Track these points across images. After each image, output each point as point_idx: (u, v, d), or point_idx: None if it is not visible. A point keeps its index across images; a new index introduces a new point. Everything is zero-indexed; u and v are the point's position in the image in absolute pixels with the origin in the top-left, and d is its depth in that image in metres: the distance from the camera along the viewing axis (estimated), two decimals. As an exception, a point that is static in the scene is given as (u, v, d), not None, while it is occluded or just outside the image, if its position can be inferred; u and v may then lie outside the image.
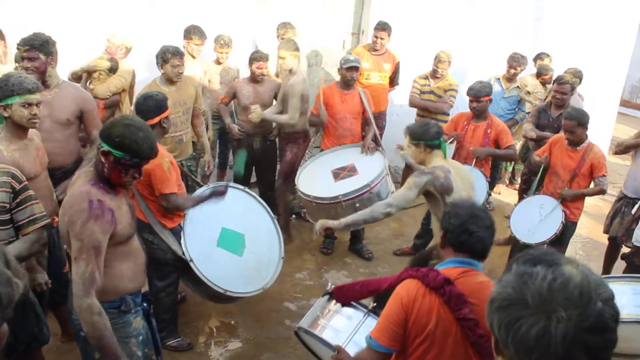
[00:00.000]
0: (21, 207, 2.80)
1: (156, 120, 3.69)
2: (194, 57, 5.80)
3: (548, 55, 7.28)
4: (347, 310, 2.89)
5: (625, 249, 4.98)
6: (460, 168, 3.97)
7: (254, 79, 5.61)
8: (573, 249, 6.20)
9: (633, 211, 5.08)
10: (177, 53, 4.64)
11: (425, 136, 3.83)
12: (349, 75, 5.45)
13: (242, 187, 4.50)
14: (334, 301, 2.93)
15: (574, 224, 5.07)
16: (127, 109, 5.52)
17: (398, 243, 6.11)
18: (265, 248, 4.35)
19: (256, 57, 5.53)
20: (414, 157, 3.97)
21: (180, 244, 3.93)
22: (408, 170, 7.02)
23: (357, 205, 4.76)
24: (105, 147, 2.49)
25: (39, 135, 3.55)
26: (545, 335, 1.09)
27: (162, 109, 3.76)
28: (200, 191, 4.13)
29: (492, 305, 1.21)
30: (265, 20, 6.94)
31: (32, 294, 3.11)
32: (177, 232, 3.97)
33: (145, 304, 2.90)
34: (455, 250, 2.42)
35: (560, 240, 4.90)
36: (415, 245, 5.82)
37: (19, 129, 3.27)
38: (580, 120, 4.77)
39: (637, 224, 4.64)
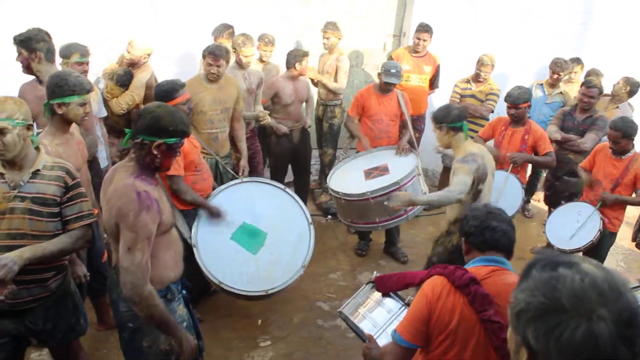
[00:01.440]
0: (71, 203, 2.86)
1: (171, 103, 3.84)
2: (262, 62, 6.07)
3: (580, 62, 7.08)
4: (386, 300, 3.00)
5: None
6: (484, 150, 4.11)
7: (296, 76, 5.73)
8: (614, 260, 6.05)
9: None
10: (212, 53, 4.68)
11: (447, 118, 3.99)
12: (386, 87, 5.48)
13: (282, 186, 4.50)
14: (375, 291, 3.05)
15: (614, 234, 4.96)
16: None
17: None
18: (287, 252, 4.20)
19: (303, 54, 5.70)
20: (439, 141, 4.14)
21: (189, 227, 3.99)
22: (446, 174, 6.98)
23: (386, 203, 4.71)
24: (158, 140, 2.59)
25: (78, 129, 3.65)
26: (590, 336, 1.07)
27: (166, 99, 3.91)
28: (230, 184, 4.36)
29: (522, 318, 1.17)
30: (308, 21, 6.98)
31: (74, 285, 3.21)
32: (189, 215, 4.05)
33: (184, 292, 2.97)
34: (481, 251, 2.42)
35: (598, 250, 4.80)
36: (450, 249, 5.78)
37: (65, 125, 3.38)
38: (625, 132, 4.66)
39: None
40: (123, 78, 5.23)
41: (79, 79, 3.34)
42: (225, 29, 5.81)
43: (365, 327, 2.89)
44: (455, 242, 3.41)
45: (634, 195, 4.84)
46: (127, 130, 2.70)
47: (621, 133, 4.66)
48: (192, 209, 4.16)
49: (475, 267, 2.36)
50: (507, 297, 2.15)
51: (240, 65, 5.44)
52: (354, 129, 5.72)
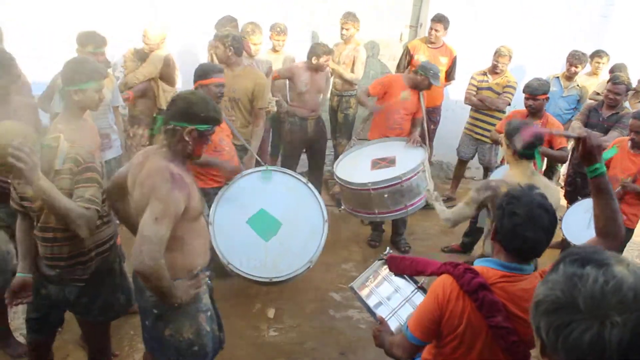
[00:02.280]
0: (76, 187, 2.82)
1: (197, 83, 4.12)
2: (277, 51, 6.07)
3: (606, 55, 6.96)
4: (398, 280, 3.02)
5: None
6: (546, 187, 3.35)
7: (316, 68, 5.69)
8: (629, 257, 6.00)
9: None
10: (220, 38, 4.79)
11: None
12: (424, 86, 5.44)
13: (305, 179, 4.51)
14: (384, 268, 3.08)
15: (631, 230, 4.91)
16: (162, 98, 5.59)
17: (447, 240, 6.05)
18: (297, 245, 4.18)
19: (325, 51, 5.63)
20: (504, 154, 3.79)
21: (207, 205, 4.01)
22: (461, 166, 6.95)
23: (386, 196, 4.74)
24: (190, 126, 2.61)
25: (91, 115, 3.69)
26: (599, 340, 1.05)
27: (203, 77, 4.13)
28: (254, 170, 4.43)
29: (539, 308, 1.16)
30: (325, 11, 6.95)
31: (118, 265, 3.27)
32: (208, 194, 4.10)
33: (209, 281, 2.99)
34: (505, 250, 2.24)
35: (615, 246, 4.75)
36: (463, 243, 5.77)
37: (80, 111, 3.40)
38: None
39: None
40: (142, 53, 5.38)
41: (95, 65, 3.37)
42: (228, 22, 5.72)
43: (372, 302, 2.94)
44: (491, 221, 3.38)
45: None
46: (158, 117, 2.73)
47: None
48: (211, 188, 4.22)
49: (486, 267, 2.26)
50: (520, 302, 2.16)
51: (248, 54, 5.41)
52: (365, 99, 5.63)
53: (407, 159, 5.07)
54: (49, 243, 2.92)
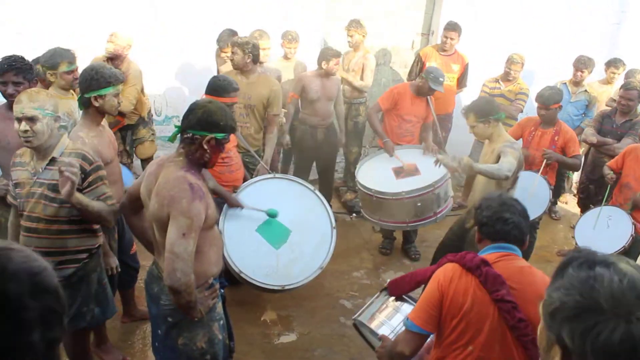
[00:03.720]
0: (92, 187, 3.00)
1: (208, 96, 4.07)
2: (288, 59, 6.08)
3: (623, 64, 6.91)
4: (403, 306, 2.97)
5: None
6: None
7: (326, 74, 5.70)
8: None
9: None
10: (240, 45, 4.77)
11: (494, 112, 4.27)
12: (429, 92, 5.41)
13: (312, 187, 4.53)
14: (391, 297, 3.03)
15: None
16: (145, 107, 5.57)
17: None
18: (308, 252, 4.23)
19: (334, 54, 5.64)
20: (480, 134, 4.37)
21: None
22: (471, 177, 6.92)
23: (419, 204, 4.77)
24: (209, 135, 2.63)
25: (107, 123, 3.73)
26: (629, 338, 1.05)
27: (216, 94, 4.10)
28: (261, 178, 4.44)
29: (558, 316, 1.15)
30: (337, 18, 6.97)
31: (97, 277, 3.27)
32: (217, 203, 4.09)
33: (222, 290, 3.00)
34: (492, 240, 2.47)
35: (629, 254, 4.71)
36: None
37: (99, 117, 3.45)
38: None
39: None
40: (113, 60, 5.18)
41: (113, 71, 3.40)
42: (228, 36, 5.63)
43: (384, 332, 2.86)
44: (471, 226, 3.50)
45: None
46: (175, 125, 2.76)
47: None
48: (219, 198, 4.22)
49: (485, 254, 2.43)
50: (519, 278, 2.28)
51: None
52: (377, 124, 5.59)
53: (429, 167, 5.06)
54: (30, 233, 3.00)
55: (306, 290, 4.65)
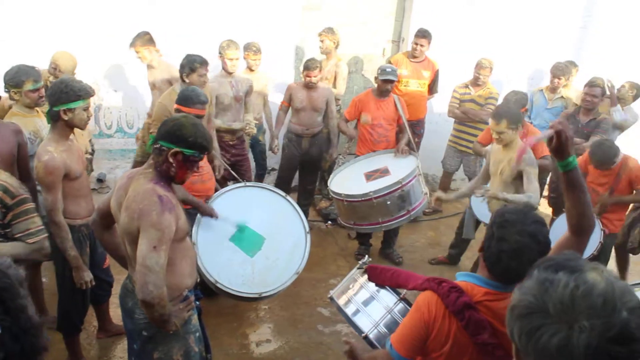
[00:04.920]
0: (16, 221, 2.65)
1: (177, 106, 4.07)
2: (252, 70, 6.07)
3: (575, 65, 7.05)
4: (376, 288, 2.99)
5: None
6: None
7: (306, 85, 5.79)
8: (613, 261, 6.03)
9: None
10: (205, 62, 4.74)
11: (521, 119, 4.31)
12: (384, 86, 5.52)
13: (283, 193, 4.54)
14: (362, 276, 3.05)
15: (616, 235, 4.97)
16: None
17: (434, 252, 6.07)
18: (283, 258, 4.23)
19: (307, 66, 5.71)
20: (507, 140, 4.30)
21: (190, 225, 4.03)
22: (446, 178, 7.00)
23: (389, 203, 4.79)
24: (175, 148, 2.59)
25: (75, 137, 3.68)
26: (567, 345, 1.05)
27: (184, 104, 4.07)
28: (233, 187, 4.43)
29: (513, 313, 1.18)
30: (310, 27, 7.01)
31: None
32: (189, 214, 4.07)
33: (197, 302, 2.97)
34: (488, 271, 2.18)
35: (601, 251, 4.80)
36: (450, 254, 5.79)
37: (67, 131, 3.40)
38: (605, 161, 4.71)
39: None
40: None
41: (82, 84, 3.37)
42: (138, 39, 5.61)
43: (362, 323, 2.89)
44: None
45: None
46: (151, 135, 2.72)
47: (600, 163, 4.73)
48: (191, 208, 4.21)
49: (471, 284, 2.20)
50: (505, 320, 2.14)
51: (225, 70, 5.43)
52: (344, 126, 5.81)
53: (399, 166, 5.15)
54: None
55: (283, 299, 4.64)
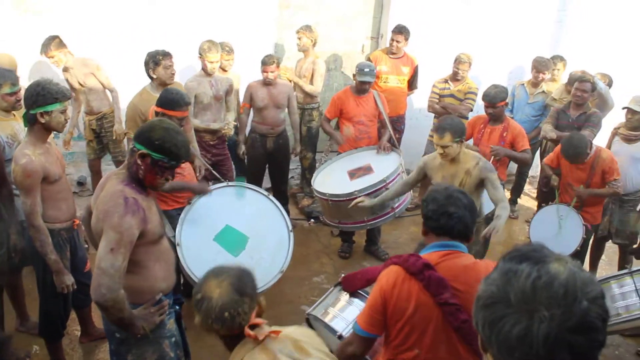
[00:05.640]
0: None
1: (160, 109, 3.98)
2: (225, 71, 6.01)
3: (562, 60, 7.14)
4: (355, 300, 3.02)
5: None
6: None
7: (265, 82, 5.73)
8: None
9: (638, 208, 5.16)
10: (167, 54, 4.72)
11: (465, 131, 4.20)
12: (361, 86, 5.52)
13: (266, 192, 4.54)
14: (344, 292, 3.08)
15: (596, 227, 5.04)
16: None
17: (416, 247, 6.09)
18: (267, 257, 4.25)
19: (264, 61, 5.68)
20: (452, 154, 4.09)
21: (172, 227, 4.01)
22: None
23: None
24: (144, 150, 2.54)
25: (54, 140, 3.63)
26: (527, 334, 1.06)
27: (168, 107, 3.98)
28: (215, 187, 4.39)
29: (478, 304, 1.18)
30: (288, 26, 6.99)
31: None
32: (172, 216, 4.10)
33: (177, 307, 2.94)
34: (437, 235, 2.43)
35: (582, 246, 4.87)
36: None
37: (45, 134, 3.36)
38: (577, 156, 4.78)
39: None
40: None
41: (59, 87, 3.33)
42: (49, 43, 5.50)
43: (338, 325, 2.91)
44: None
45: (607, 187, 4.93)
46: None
47: (573, 157, 4.80)
48: (174, 210, 4.21)
49: (428, 253, 2.38)
50: (465, 278, 2.27)
51: (205, 71, 5.39)
52: (328, 128, 5.79)
53: (383, 165, 5.16)
54: None
55: (267, 298, 4.55)
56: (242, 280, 2.09)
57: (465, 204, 2.45)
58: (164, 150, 2.55)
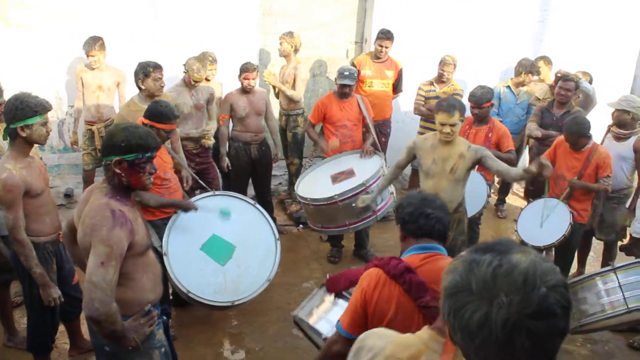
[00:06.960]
0: None
1: (148, 121, 4.00)
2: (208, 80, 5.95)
3: (549, 60, 7.19)
4: (340, 301, 3.03)
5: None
6: None
7: (244, 89, 5.74)
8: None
9: (627, 204, 5.24)
10: (158, 66, 4.72)
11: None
12: (342, 90, 5.55)
13: (252, 201, 4.55)
14: (329, 293, 3.09)
15: (582, 225, 5.06)
16: None
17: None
18: (254, 265, 4.26)
19: (246, 68, 5.66)
20: (456, 133, 4.18)
21: (158, 236, 4.01)
22: (415, 177, 7.05)
23: (354, 205, 4.80)
24: (116, 158, 2.55)
25: (38, 153, 3.62)
26: (487, 320, 1.08)
27: (158, 120, 4.03)
28: (201, 196, 4.39)
29: (444, 293, 1.21)
30: (271, 32, 7.01)
31: None
32: (158, 226, 4.10)
33: (164, 317, 2.94)
34: (416, 237, 2.43)
35: (569, 241, 4.88)
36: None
37: (27, 148, 3.35)
38: (581, 132, 4.79)
39: (634, 216, 4.85)
40: None
41: (38, 99, 3.32)
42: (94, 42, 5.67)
43: (323, 327, 2.92)
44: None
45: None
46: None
47: (577, 135, 4.80)
48: (160, 220, 4.20)
49: (409, 256, 2.38)
50: None
51: (187, 84, 5.37)
52: (313, 134, 5.80)
53: (364, 168, 5.17)
54: None
55: (257, 305, 4.63)
56: None
57: (440, 205, 2.51)
58: (132, 148, 2.56)
